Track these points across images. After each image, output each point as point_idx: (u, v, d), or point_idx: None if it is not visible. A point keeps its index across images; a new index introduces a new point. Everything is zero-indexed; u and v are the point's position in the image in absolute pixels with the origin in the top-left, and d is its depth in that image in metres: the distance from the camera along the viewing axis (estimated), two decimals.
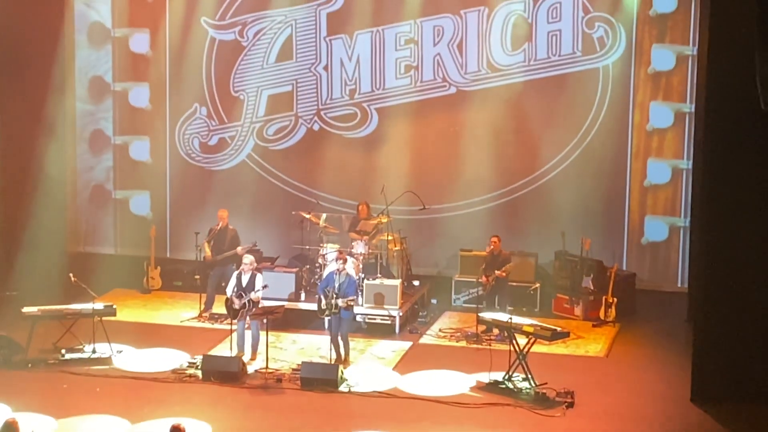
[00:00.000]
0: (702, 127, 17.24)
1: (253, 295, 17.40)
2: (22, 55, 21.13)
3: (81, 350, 17.44)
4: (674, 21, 20.52)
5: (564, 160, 21.09)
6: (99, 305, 17.73)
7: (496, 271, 19.04)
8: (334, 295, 17.22)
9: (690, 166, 20.48)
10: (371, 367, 17.33)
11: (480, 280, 19.22)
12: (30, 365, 16.95)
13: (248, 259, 17.86)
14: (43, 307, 17.59)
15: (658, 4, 20.51)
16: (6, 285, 20.47)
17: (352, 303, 17.44)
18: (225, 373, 16.51)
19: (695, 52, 20.24)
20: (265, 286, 17.58)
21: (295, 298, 19.43)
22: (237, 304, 17.41)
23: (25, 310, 17.48)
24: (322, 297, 17.39)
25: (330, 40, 21.74)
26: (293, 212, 20.90)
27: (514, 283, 19.74)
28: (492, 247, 19.32)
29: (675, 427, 15.23)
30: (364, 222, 20.19)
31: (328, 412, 15.53)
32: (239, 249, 19.55)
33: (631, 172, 20.94)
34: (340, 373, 16.41)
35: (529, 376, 16.18)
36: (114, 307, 17.96)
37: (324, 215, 20.58)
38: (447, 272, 21.46)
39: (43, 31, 21.53)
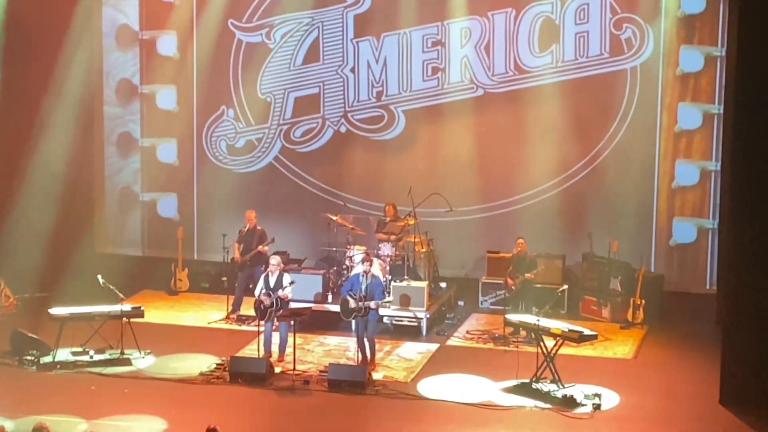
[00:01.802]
0: (730, 129, 17.17)
1: (280, 293, 17.42)
2: (44, 57, 21.29)
3: (109, 352, 17.50)
4: (702, 22, 20.43)
5: (592, 161, 21.04)
6: (127, 307, 17.79)
7: (526, 274, 19.00)
8: (363, 297, 17.21)
9: (718, 168, 20.37)
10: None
11: (507, 282, 19.17)
12: (58, 367, 17.02)
13: (275, 260, 17.88)
14: (71, 309, 17.65)
15: (686, 5, 20.41)
16: (35, 287, 20.58)
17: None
18: (252, 375, 16.53)
19: (724, 53, 20.14)
20: (291, 283, 17.59)
21: (322, 299, 19.45)
22: (266, 302, 17.42)
23: (54, 311, 17.54)
24: (348, 299, 17.38)
25: (357, 42, 21.74)
26: (320, 214, 20.92)
27: (540, 285, 19.67)
28: (519, 249, 19.28)
29: (703, 430, 15.17)
30: (392, 223, 20.18)
31: (355, 414, 15.54)
32: (260, 247, 19.56)
33: (659, 174, 20.86)
34: (367, 376, 16.43)
35: (557, 378, 16.14)
36: (142, 308, 18.04)
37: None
38: (474, 274, 21.44)
39: (67, 33, 21.75)
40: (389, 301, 18.09)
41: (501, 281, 19.71)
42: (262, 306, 17.50)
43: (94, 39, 22.44)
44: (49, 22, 21.33)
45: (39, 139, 21.55)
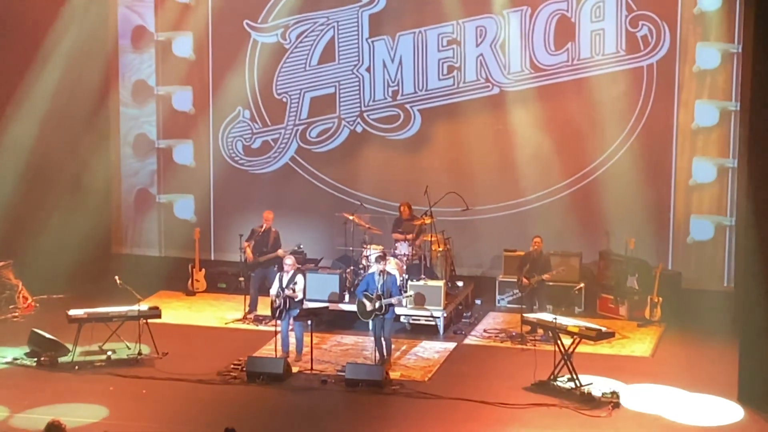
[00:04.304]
0: (747, 125, 17.09)
1: (287, 291, 17.39)
2: (58, 55, 21.41)
3: (126, 352, 17.53)
4: (719, 19, 20.35)
5: (608, 159, 21.00)
6: (144, 307, 17.82)
7: (544, 276, 18.98)
8: (380, 296, 17.20)
9: (735, 165, 20.32)
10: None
11: (522, 282, 19.15)
12: (77, 367, 17.05)
13: (290, 260, 17.88)
14: (89, 310, 17.68)
15: (702, 2, 20.35)
16: (53, 288, 20.63)
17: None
18: (270, 375, 16.53)
19: (740, 50, 20.08)
20: (295, 283, 17.61)
21: (339, 299, 19.45)
22: (277, 302, 17.44)
23: (72, 312, 17.57)
24: (364, 300, 17.37)
25: (372, 42, 21.74)
26: (336, 214, 20.92)
27: (558, 284, 19.67)
28: (535, 247, 19.27)
29: (722, 428, 15.11)
30: (408, 223, 20.18)
31: (372, 413, 15.53)
32: (280, 251, 19.57)
33: (676, 171, 20.81)
34: (384, 375, 16.42)
35: (575, 376, 16.11)
36: (159, 309, 18.05)
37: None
38: (491, 273, 21.44)
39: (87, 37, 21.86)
40: (410, 296, 18.21)
41: (515, 279, 19.65)
42: (274, 305, 17.52)
43: (108, 40, 22.47)
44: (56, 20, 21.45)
45: (55, 140, 21.60)
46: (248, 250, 19.85)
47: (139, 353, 17.42)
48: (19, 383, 16.46)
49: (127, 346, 17.61)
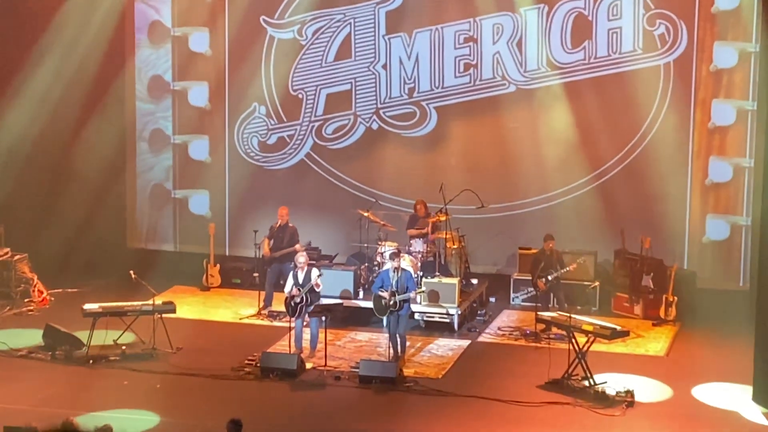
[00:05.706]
0: (764, 125, 17.05)
1: (313, 279, 17.38)
2: (76, 54, 21.50)
3: (141, 347, 17.55)
4: (736, 18, 20.30)
5: (624, 158, 20.96)
6: (159, 302, 17.84)
7: (569, 267, 18.95)
8: (395, 293, 17.21)
9: (752, 164, 20.25)
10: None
11: (538, 284, 19.11)
12: (91, 362, 17.07)
13: (303, 257, 17.89)
14: (104, 304, 17.70)
15: (720, 1, 20.29)
16: (67, 282, 20.68)
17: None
18: (284, 371, 16.53)
19: (757, 49, 20.00)
20: (319, 275, 17.58)
21: (354, 295, 19.45)
22: (297, 297, 17.42)
23: (86, 307, 17.60)
24: (380, 296, 17.36)
25: (389, 39, 21.72)
26: (352, 210, 20.92)
27: (573, 282, 19.66)
28: (551, 245, 19.24)
29: (736, 427, 15.07)
30: (423, 220, 20.17)
31: (386, 410, 15.53)
32: (298, 245, 19.58)
33: (693, 171, 20.76)
34: (398, 372, 16.41)
35: (589, 374, 16.08)
36: (173, 304, 18.06)
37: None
38: (505, 270, 21.42)
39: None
40: (423, 291, 18.22)
41: (530, 278, 19.63)
42: (292, 302, 17.51)
43: (124, 33, 22.48)
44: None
45: (69, 135, 21.68)
46: (266, 246, 19.85)
47: (153, 348, 17.40)
48: (34, 377, 16.49)
49: (142, 341, 17.63)
